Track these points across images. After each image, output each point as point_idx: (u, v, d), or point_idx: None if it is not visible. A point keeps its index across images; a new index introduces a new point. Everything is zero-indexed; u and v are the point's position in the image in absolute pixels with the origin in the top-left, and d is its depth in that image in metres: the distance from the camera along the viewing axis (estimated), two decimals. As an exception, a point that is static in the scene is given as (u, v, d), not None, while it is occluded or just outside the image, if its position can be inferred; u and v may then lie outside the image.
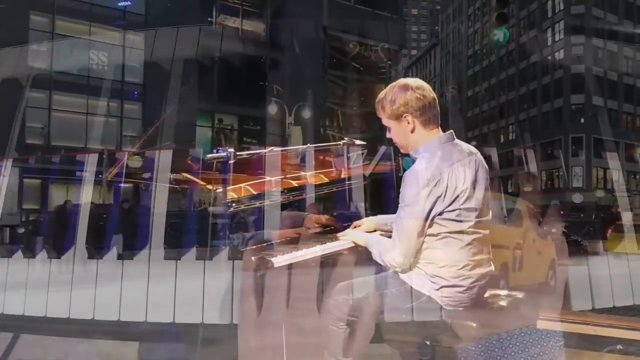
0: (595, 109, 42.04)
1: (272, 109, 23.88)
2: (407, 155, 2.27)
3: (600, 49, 42.45)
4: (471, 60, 59.29)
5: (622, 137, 42.16)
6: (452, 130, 2.18)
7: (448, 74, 64.78)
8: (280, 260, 2.20)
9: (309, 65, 28.06)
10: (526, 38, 48.51)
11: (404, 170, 2.14)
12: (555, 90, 43.84)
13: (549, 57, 45.39)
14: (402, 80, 2.19)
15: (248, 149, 2.51)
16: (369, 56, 31.81)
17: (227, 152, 2.31)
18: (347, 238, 2.43)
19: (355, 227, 2.54)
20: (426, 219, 2.04)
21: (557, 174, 43.35)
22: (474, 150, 2.19)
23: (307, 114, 24.39)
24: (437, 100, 2.17)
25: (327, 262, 2.42)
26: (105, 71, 24.10)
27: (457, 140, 2.18)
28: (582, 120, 41.84)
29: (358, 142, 2.72)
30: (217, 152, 2.34)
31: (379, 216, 2.57)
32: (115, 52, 24.20)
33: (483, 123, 55.11)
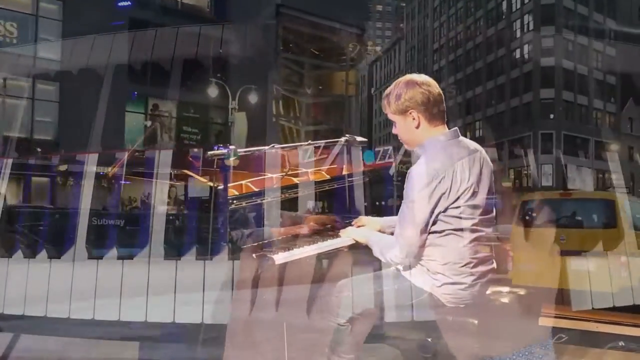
0: (566, 104, 40.35)
1: (213, 92, 20.61)
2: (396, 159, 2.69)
3: (570, 42, 40.74)
4: (437, 54, 57.21)
5: (592, 134, 40.71)
6: (457, 128, 2.17)
7: (413, 69, 62.62)
8: (281, 257, 2.20)
9: (260, 46, 24.94)
10: (494, 30, 46.54)
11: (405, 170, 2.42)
12: (525, 85, 41.85)
13: (518, 50, 43.47)
14: (409, 76, 2.18)
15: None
16: (328, 39, 28.83)
17: (229, 149, 2.31)
18: (347, 235, 2.42)
19: (358, 226, 2.52)
20: (430, 216, 2.03)
21: (525, 172, 41.47)
22: (479, 147, 2.17)
23: (253, 98, 21.23)
24: (443, 97, 2.15)
25: (328, 259, 2.46)
26: (14, 44, 20.38)
27: (462, 137, 2.18)
28: (552, 116, 39.99)
29: (359, 139, 2.64)
30: (217, 149, 2.35)
31: (385, 218, 2.52)
32: (26, 22, 20.56)
33: (449, 119, 52.86)
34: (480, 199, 2.07)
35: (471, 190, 2.04)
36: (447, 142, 2.11)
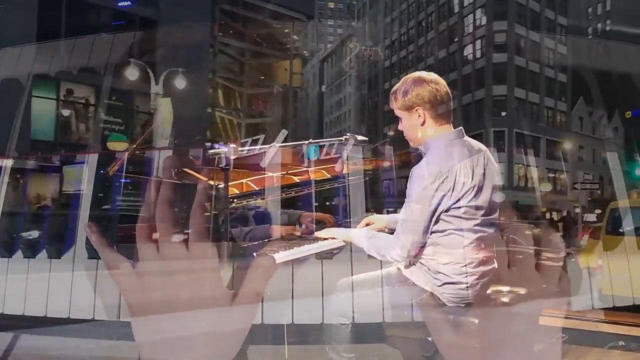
0: (518, 102, 39.50)
1: (132, 74, 17.93)
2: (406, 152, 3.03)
3: (522, 38, 39.92)
4: (388, 50, 55.78)
5: (543, 132, 40.07)
6: (461, 127, 2.18)
7: (364, 65, 61.12)
8: (282, 256, 2.11)
9: (192, 27, 22.41)
10: (446, 25, 45.36)
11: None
12: (476, 81, 40.71)
13: (470, 46, 42.38)
14: (417, 73, 2.19)
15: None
16: (270, 25, 26.51)
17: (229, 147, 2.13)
18: (327, 235, 2.32)
19: (367, 224, 2.44)
20: (432, 215, 2.02)
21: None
22: (484, 147, 2.18)
23: (180, 83, 18.68)
24: (450, 96, 2.15)
25: (327, 259, 2.61)
26: None
27: (466, 137, 2.19)
28: (504, 114, 39.02)
29: (360, 137, 2.57)
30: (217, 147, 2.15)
31: (391, 215, 2.47)
32: None
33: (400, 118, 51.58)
34: (483, 199, 2.05)
35: (474, 191, 2.02)
36: (451, 141, 2.12)
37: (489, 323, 1.86)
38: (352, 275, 2.37)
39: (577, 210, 24.86)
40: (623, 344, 2.74)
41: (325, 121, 71.15)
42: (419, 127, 2.11)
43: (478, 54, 41.56)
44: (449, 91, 2.12)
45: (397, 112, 2.16)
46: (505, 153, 37.37)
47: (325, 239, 2.30)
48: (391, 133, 50.70)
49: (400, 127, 2.19)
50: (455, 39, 44.11)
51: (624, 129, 47.12)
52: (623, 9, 54.06)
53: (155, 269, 0.59)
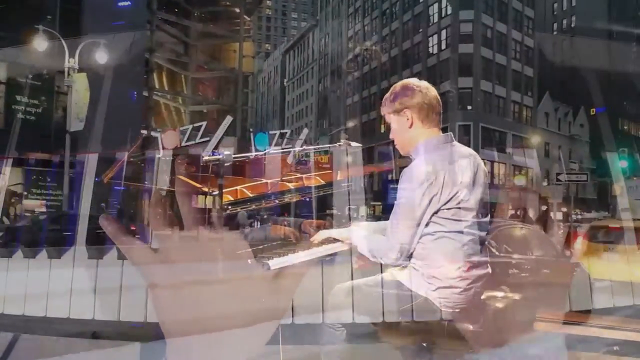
0: (484, 95, 37.96)
1: (40, 45, 15.12)
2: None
3: (489, 29, 38.38)
4: (351, 42, 53.72)
5: (509, 127, 38.72)
6: (451, 132, 2.21)
7: (327, 57, 58.96)
8: (277, 262, 2.07)
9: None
10: (411, 15, 43.51)
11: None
12: (442, 73, 38.93)
13: (435, 36, 40.62)
14: (406, 80, 2.24)
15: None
16: (218, 2, 23.88)
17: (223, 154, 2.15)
18: (323, 237, 2.31)
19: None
20: (421, 217, 2.04)
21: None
22: (473, 152, 2.21)
23: (102, 57, 15.97)
24: (439, 102, 2.17)
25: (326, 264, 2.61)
26: None
27: (455, 142, 2.20)
28: (470, 107, 37.39)
29: (354, 144, 2.55)
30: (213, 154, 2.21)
31: (378, 222, 2.44)
32: None
33: (362, 111, 49.64)
34: (473, 202, 2.06)
35: (463, 194, 2.03)
36: (440, 145, 2.13)
37: (482, 328, 2.04)
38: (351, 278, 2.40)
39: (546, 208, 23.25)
40: (618, 348, 2.84)
41: (287, 115, 68.81)
42: (407, 130, 2.13)
43: (443, 45, 39.83)
44: (438, 97, 2.13)
45: (387, 118, 2.19)
46: (471, 148, 35.72)
47: (322, 243, 2.29)
48: (351, 124, 48.86)
49: (391, 136, 2.22)
50: (420, 30, 42.33)
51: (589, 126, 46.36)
52: (587, 5, 53.51)
53: (181, 250, 0.59)
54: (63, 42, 15.40)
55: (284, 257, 2.12)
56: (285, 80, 72.53)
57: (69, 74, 15.39)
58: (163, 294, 0.59)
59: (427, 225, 2.01)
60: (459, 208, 2.01)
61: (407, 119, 2.11)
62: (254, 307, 0.58)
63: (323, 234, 2.29)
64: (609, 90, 44.31)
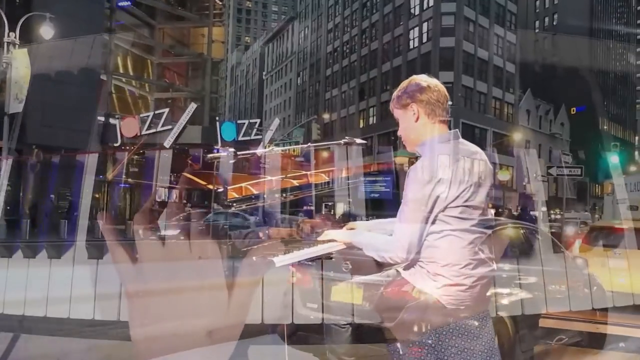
0: (465, 90, 37.00)
1: (-25, 15, 13.51)
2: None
3: (471, 22, 37.40)
4: (331, 34, 52.43)
5: (490, 124, 37.87)
6: (457, 129, 2.19)
7: (306, 50, 57.61)
8: (282, 259, 2.08)
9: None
10: (392, 7, 42.35)
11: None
12: (422, 67, 37.85)
13: (416, 29, 39.53)
14: (415, 77, 2.20)
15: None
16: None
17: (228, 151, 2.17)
18: (327, 237, 2.30)
19: (349, 229, 2.44)
20: (428, 215, 2.00)
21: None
22: (479, 150, 2.16)
23: (47, 32, 14.40)
24: (447, 98, 2.13)
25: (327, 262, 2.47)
26: None
27: (462, 139, 2.17)
28: (451, 103, 36.37)
29: (359, 141, 2.52)
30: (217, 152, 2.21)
31: (375, 221, 2.48)
32: None
33: (342, 106, 48.42)
34: (480, 200, 2.03)
35: (470, 192, 1.99)
36: (446, 142, 2.10)
37: (487, 325, 2.01)
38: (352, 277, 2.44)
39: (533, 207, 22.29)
40: (624, 345, 2.82)
41: (265, 109, 67.33)
42: (414, 125, 2.09)
43: (424, 38, 38.77)
44: (447, 95, 2.09)
45: (396, 114, 2.14)
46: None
47: (325, 241, 2.27)
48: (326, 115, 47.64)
49: (399, 132, 2.17)
50: (401, 23, 41.21)
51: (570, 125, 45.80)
52: (570, 3, 53.03)
53: (157, 260, 0.61)
54: (2, 14, 13.81)
55: (288, 255, 2.11)
56: (264, 73, 70.97)
57: (8, 50, 13.81)
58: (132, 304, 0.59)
59: (433, 223, 1.99)
60: (466, 206, 1.98)
61: (414, 113, 2.09)
62: (208, 322, 0.59)
63: (328, 235, 2.28)
64: (590, 89, 43.80)
